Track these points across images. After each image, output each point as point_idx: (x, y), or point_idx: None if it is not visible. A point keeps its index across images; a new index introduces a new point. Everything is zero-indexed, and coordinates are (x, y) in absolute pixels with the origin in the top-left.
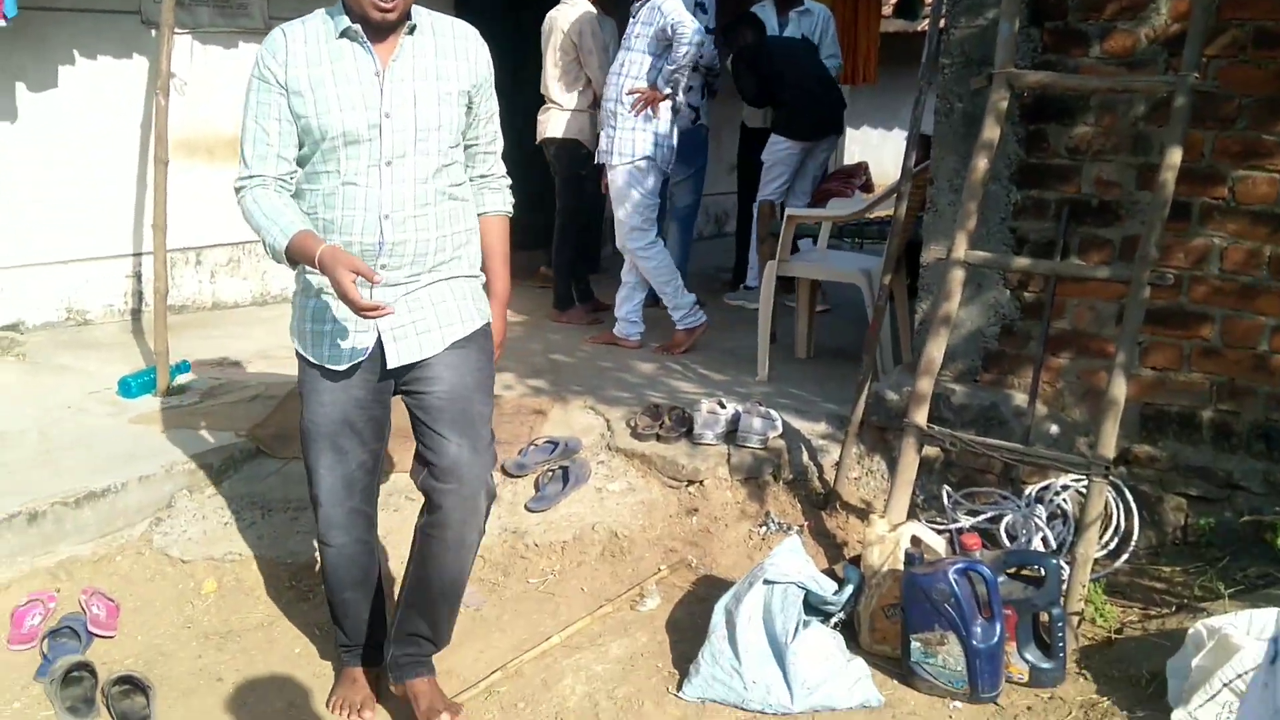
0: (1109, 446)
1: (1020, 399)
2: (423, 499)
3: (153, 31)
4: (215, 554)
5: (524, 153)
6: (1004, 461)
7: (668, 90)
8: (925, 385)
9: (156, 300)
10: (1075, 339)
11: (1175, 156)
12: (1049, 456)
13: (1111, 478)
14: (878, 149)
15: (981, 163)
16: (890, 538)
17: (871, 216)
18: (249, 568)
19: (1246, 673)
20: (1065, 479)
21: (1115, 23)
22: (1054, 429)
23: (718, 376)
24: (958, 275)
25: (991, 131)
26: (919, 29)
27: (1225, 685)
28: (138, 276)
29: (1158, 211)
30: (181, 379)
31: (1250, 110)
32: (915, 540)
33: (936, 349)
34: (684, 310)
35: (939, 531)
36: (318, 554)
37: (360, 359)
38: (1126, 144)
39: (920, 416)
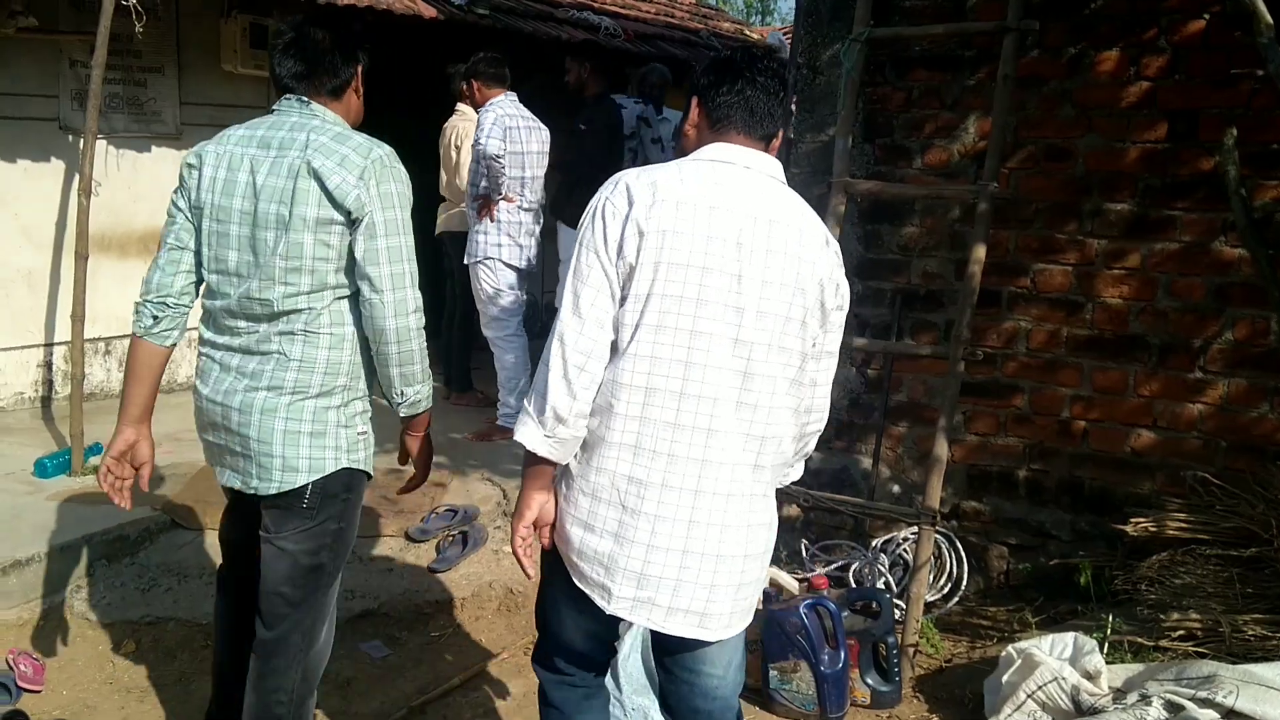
0: (934, 499)
1: (866, 463)
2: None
3: (69, 137)
4: (133, 617)
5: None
6: (852, 516)
7: (501, 194)
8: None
9: (73, 386)
10: (911, 410)
11: (980, 252)
12: (884, 509)
13: (943, 529)
14: None
15: None
16: None
17: None
18: (165, 629)
19: (1046, 684)
20: (906, 532)
21: (933, 140)
22: (895, 488)
23: None
24: None
25: (833, 231)
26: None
27: (1029, 696)
28: (48, 366)
29: (968, 299)
30: (95, 460)
31: (1045, 213)
32: (773, 582)
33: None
34: (509, 412)
35: (799, 580)
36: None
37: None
38: (946, 241)
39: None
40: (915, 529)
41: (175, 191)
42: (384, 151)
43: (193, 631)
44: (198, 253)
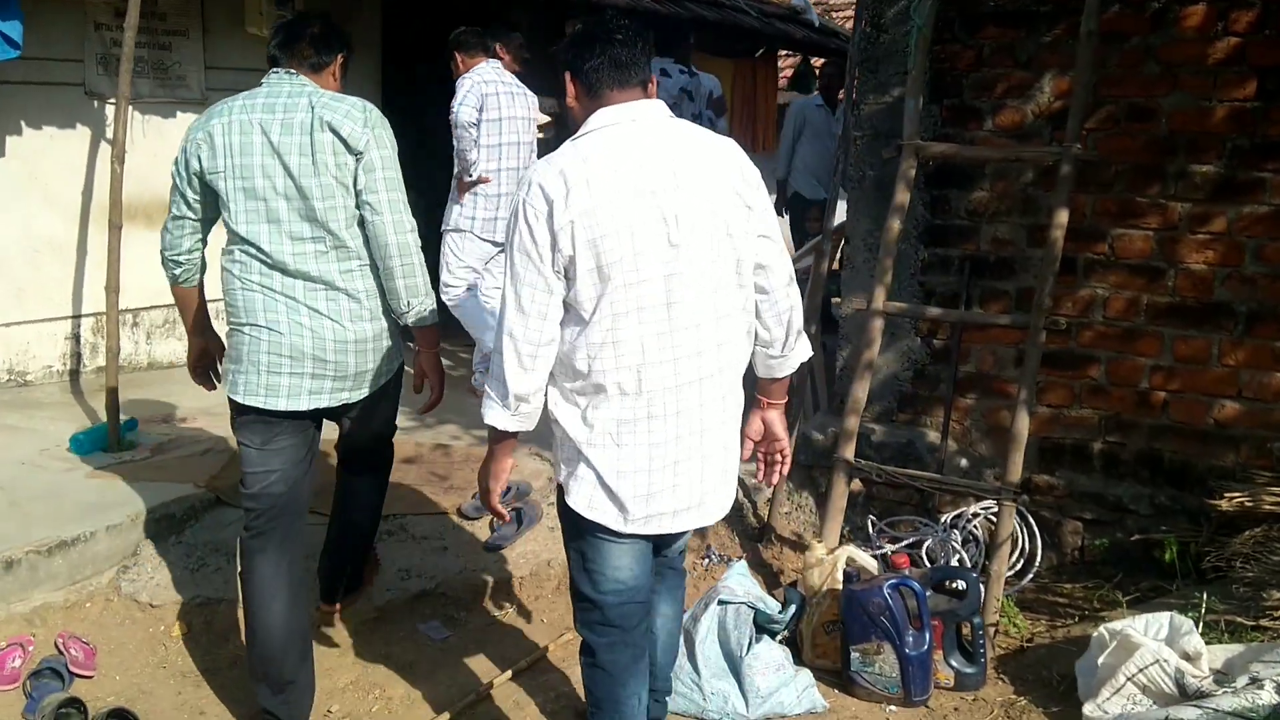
0: (1015, 474)
1: (933, 436)
2: None
3: (95, 102)
4: (184, 598)
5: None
6: (923, 491)
7: (471, 175)
8: (851, 423)
9: (109, 359)
10: (980, 381)
11: (1063, 217)
12: (962, 484)
13: (1017, 504)
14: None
15: (895, 224)
16: (829, 560)
17: None
18: (216, 611)
19: (1147, 667)
20: (975, 507)
21: (1005, 100)
22: (963, 462)
23: None
24: (878, 324)
25: (902, 196)
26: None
27: (1129, 679)
28: (76, 338)
29: (1049, 266)
30: (131, 435)
31: (1125, 176)
32: (851, 562)
33: (860, 390)
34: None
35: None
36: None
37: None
38: (1018, 206)
39: (848, 452)
40: (986, 504)
41: (176, 162)
42: (374, 108)
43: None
44: (202, 220)
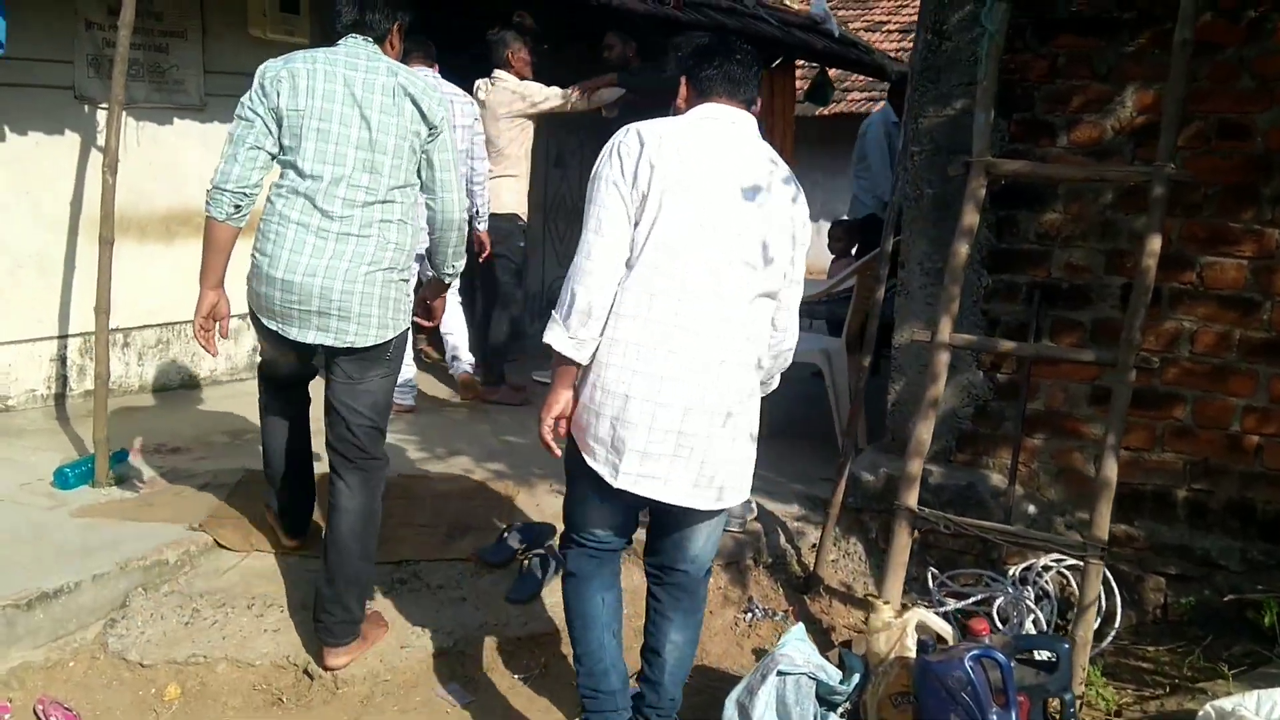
0: (1103, 528)
1: (996, 479)
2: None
3: (85, 107)
4: (177, 657)
5: None
6: (998, 543)
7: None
8: (915, 467)
9: (98, 385)
10: (1049, 419)
11: (1155, 244)
12: (1044, 539)
13: (1087, 555)
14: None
15: (963, 248)
16: (897, 624)
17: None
18: (214, 671)
19: None
20: (1046, 559)
21: (1081, 114)
22: (1030, 508)
23: None
24: (943, 358)
25: (971, 218)
26: (821, 113)
27: None
28: (62, 360)
29: (1140, 297)
30: (119, 467)
31: (1216, 198)
32: (924, 628)
33: (925, 430)
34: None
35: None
36: (379, 501)
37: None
38: (1095, 230)
39: (910, 499)
40: (1057, 555)
41: (251, 98)
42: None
43: (244, 673)
44: (272, 152)
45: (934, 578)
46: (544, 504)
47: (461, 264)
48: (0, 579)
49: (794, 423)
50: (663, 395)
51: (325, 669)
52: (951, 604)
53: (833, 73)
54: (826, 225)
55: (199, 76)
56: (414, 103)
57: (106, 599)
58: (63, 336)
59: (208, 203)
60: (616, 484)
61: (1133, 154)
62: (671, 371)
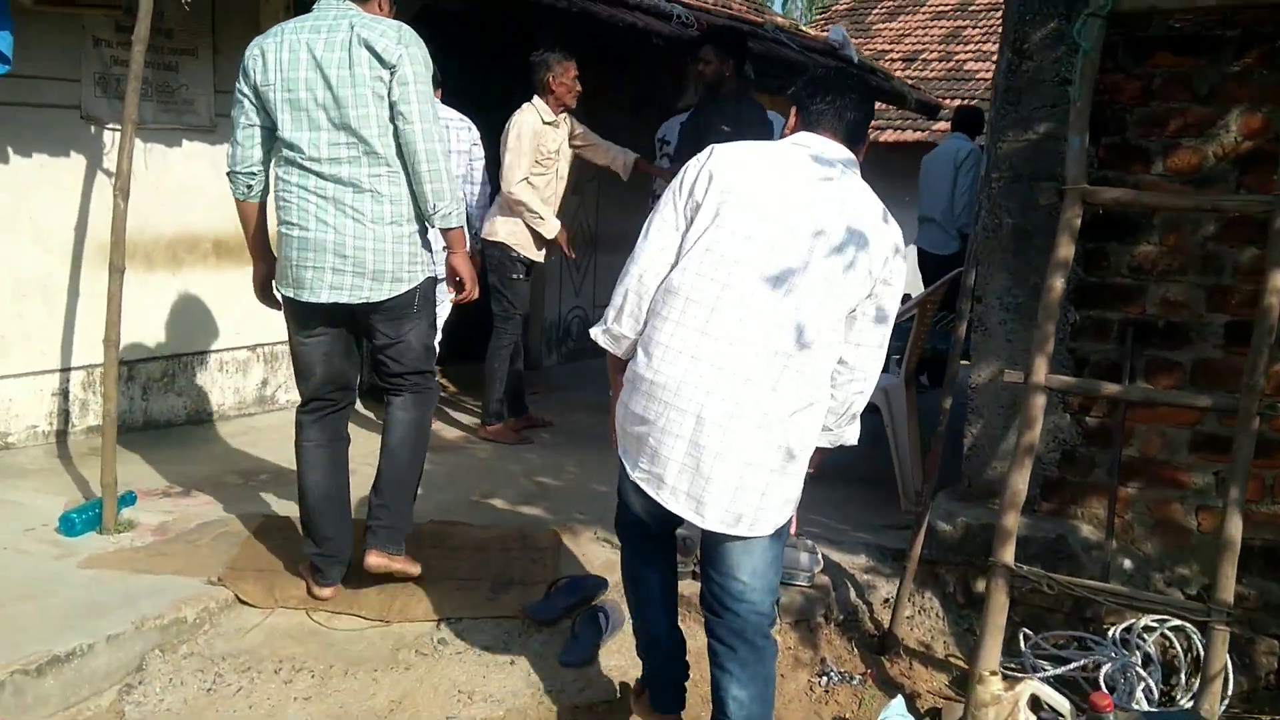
0: (1228, 590)
1: (1087, 531)
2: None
3: (92, 128)
4: None
5: None
6: (1097, 602)
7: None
8: (1010, 521)
9: (105, 424)
10: (1144, 467)
11: (1278, 280)
12: (1163, 602)
13: (1188, 615)
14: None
15: (1058, 282)
16: (1008, 698)
17: None
18: None
19: None
20: (1148, 619)
21: (1179, 139)
22: (1127, 563)
23: None
24: (1039, 401)
25: (1066, 249)
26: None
27: None
28: (64, 394)
29: (1263, 338)
30: (128, 512)
31: None
32: (1036, 701)
33: (1020, 480)
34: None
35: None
36: (427, 437)
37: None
38: (1195, 263)
39: (1007, 555)
40: (1163, 618)
41: (239, 80)
42: (409, 29)
43: None
44: (265, 127)
45: (1026, 639)
46: (590, 554)
47: (447, 206)
48: (6, 641)
49: (848, 464)
50: (680, 399)
51: (364, 568)
52: (1049, 669)
53: None
54: None
55: (209, 96)
56: (369, 48)
57: (122, 662)
58: (65, 369)
59: (231, 185)
60: (631, 476)
61: (1237, 182)
62: (692, 378)
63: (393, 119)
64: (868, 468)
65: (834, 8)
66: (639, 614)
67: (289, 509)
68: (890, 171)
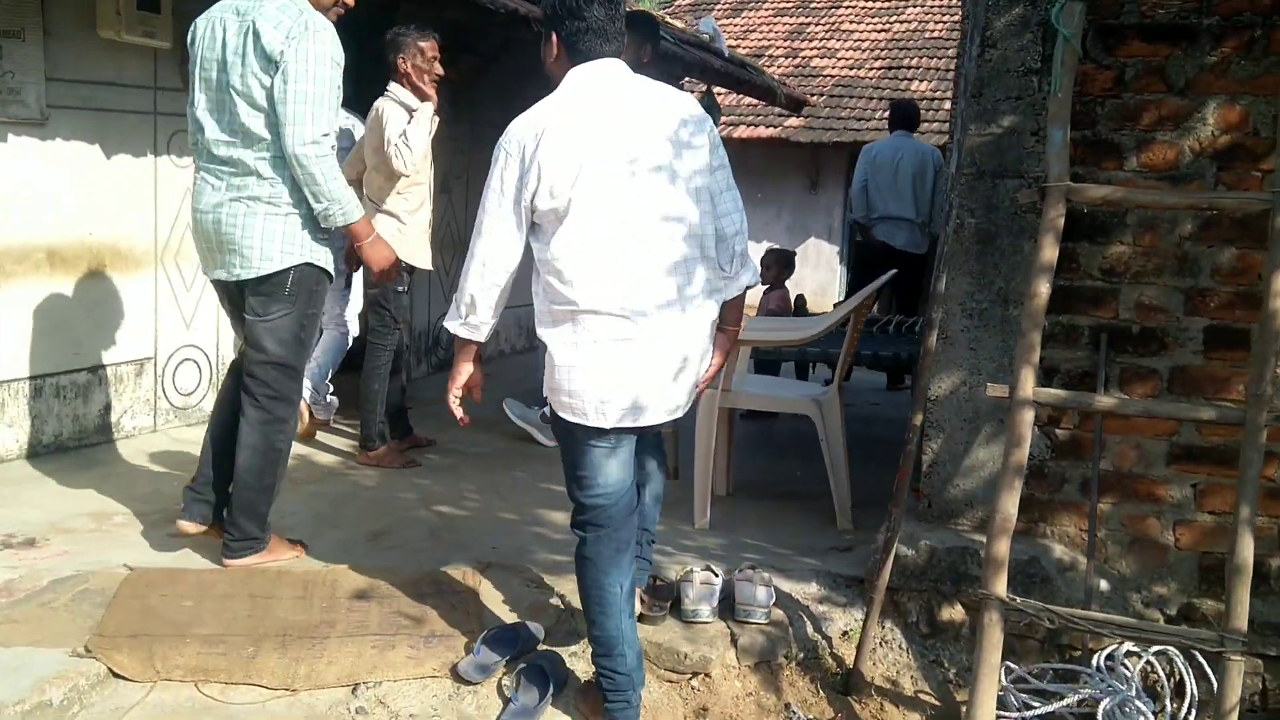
0: (1242, 618)
1: (1060, 551)
2: None
3: None
4: None
5: None
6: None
7: None
8: (1001, 548)
9: None
10: (1118, 481)
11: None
12: (1175, 633)
13: (1167, 634)
14: None
15: (1043, 287)
16: None
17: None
18: None
19: None
20: (1130, 644)
21: (1154, 133)
22: (1103, 584)
23: None
24: (1027, 417)
25: (1050, 251)
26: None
27: None
28: None
29: (1270, 344)
30: None
31: None
32: None
33: (1010, 503)
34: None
35: None
36: (280, 439)
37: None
38: (1171, 265)
39: (1000, 587)
40: (1140, 643)
41: None
42: (315, 20)
43: None
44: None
45: (1008, 672)
46: (516, 595)
47: (326, 207)
48: None
49: (773, 480)
50: (625, 343)
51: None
52: (1037, 706)
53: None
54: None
55: (39, 85)
56: (256, 39)
57: None
58: None
59: None
60: (609, 424)
61: (1215, 178)
62: (630, 328)
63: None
64: (794, 482)
65: (677, 2)
66: (605, 613)
67: (157, 556)
68: (745, 169)
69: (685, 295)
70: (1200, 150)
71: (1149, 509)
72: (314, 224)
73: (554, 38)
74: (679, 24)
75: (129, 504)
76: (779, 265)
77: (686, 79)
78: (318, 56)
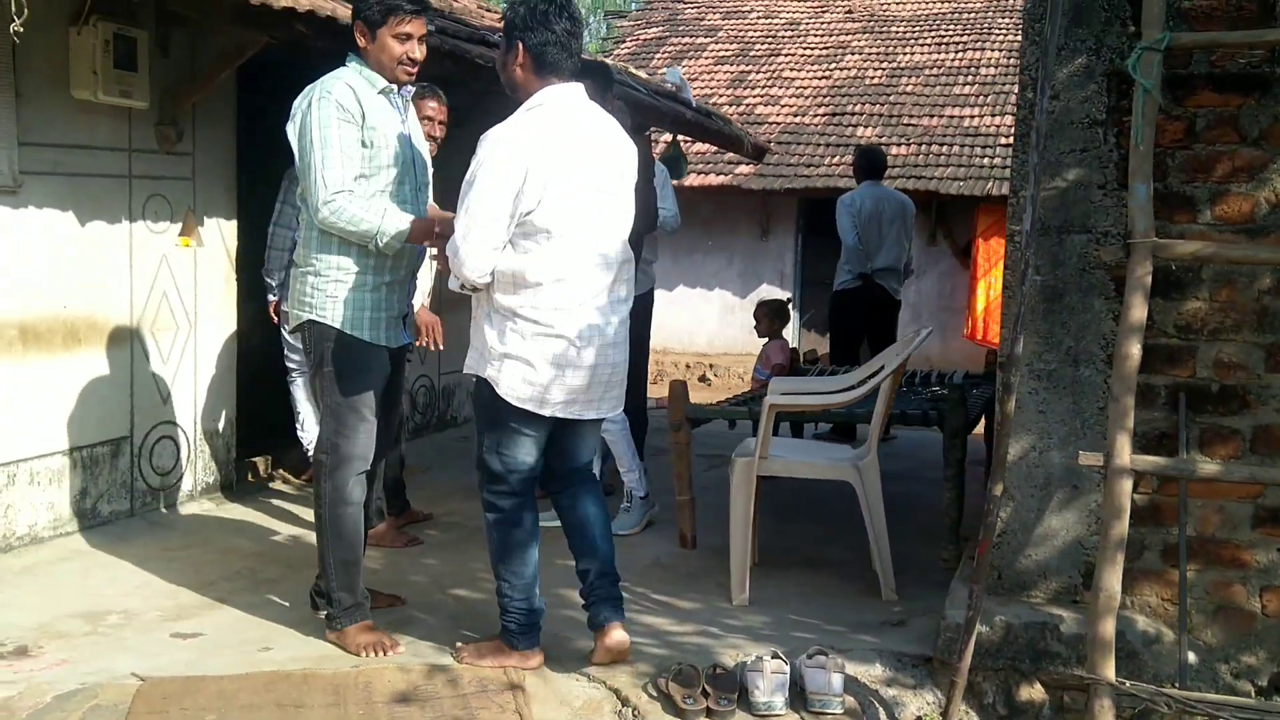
0: None
1: (1144, 623)
2: None
3: None
4: None
5: None
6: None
7: None
8: (1107, 628)
9: None
10: (1201, 546)
11: None
12: None
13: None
14: (698, 309)
15: (1134, 349)
16: None
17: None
18: None
19: None
20: None
21: (1228, 185)
22: (1190, 656)
23: (682, 603)
24: (1125, 486)
25: (1140, 311)
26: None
27: None
28: None
29: None
30: None
31: None
32: None
33: (1113, 579)
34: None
35: None
36: (328, 522)
37: (401, 341)
38: (1250, 320)
39: (1108, 669)
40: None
41: None
42: (317, 90)
43: None
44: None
45: None
46: (567, 692)
47: (374, 239)
48: None
49: (800, 544)
50: (573, 343)
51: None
52: None
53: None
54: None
55: (12, 150)
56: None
57: None
58: None
59: None
60: (548, 413)
61: None
62: (575, 323)
63: None
64: (819, 546)
65: (615, 51)
66: (523, 560)
67: (163, 662)
68: (696, 217)
69: (623, 302)
70: (1277, 202)
71: (1234, 575)
72: (328, 283)
73: (520, 46)
74: (642, 74)
75: (121, 601)
76: (769, 317)
77: (654, 128)
78: (320, 122)
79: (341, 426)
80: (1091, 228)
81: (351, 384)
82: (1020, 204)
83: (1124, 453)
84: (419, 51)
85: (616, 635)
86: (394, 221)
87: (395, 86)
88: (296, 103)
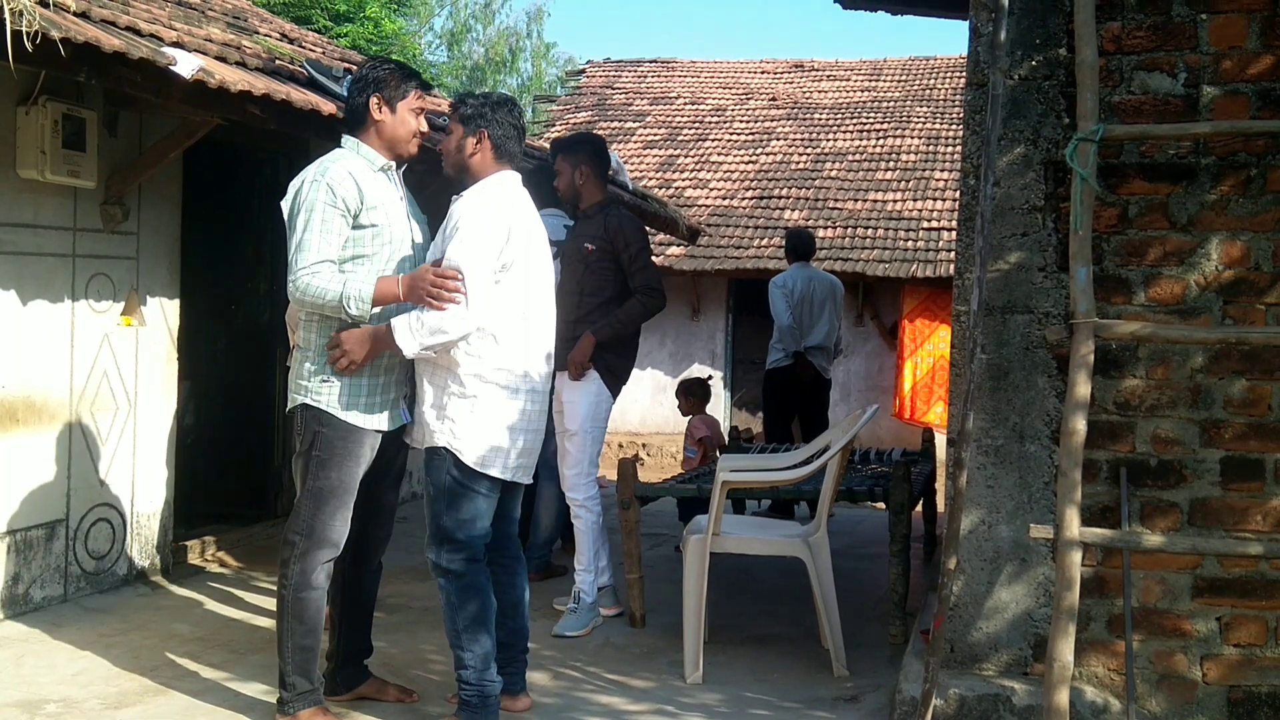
0: None
1: (1092, 693)
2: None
3: None
4: None
5: None
6: None
7: None
8: (1062, 698)
9: None
10: (1144, 617)
11: None
12: None
13: None
14: (630, 388)
15: (1079, 424)
16: None
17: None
18: None
19: None
20: None
21: (1160, 269)
22: None
23: (636, 682)
24: (1075, 558)
25: (1083, 388)
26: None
27: None
28: None
29: None
30: None
31: None
32: None
33: (1066, 649)
34: None
35: None
36: (290, 605)
37: (400, 423)
38: (1185, 397)
39: None
40: None
41: None
42: (309, 172)
43: None
44: None
45: None
46: None
47: (342, 306)
48: None
49: (746, 619)
50: (525, 410)
51: None
52: None
53: None
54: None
55: None
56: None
57: None
58: None
59: None
60: (509, 477)
61: (1222, 312)
62: (524, 392)
63: None
64: (767, 621)
65: (544, 135)
66: (483, 628)
67: None
68: None
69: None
70: (1206, 284)
71: (1176, 644)
72: (325, 366)
73: (485, 134)
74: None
75: (58, 689)
76: (685, 395)
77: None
78: (307, 204)
79: (320, 511)
80: (1034, 308)
81: (340, 469)
82: (965, 285)
83: (1073, 525)
84: (425, 124)
85: (526, 700)
86: (357, 285)
87: (393, 164)
88: (293, 182)
